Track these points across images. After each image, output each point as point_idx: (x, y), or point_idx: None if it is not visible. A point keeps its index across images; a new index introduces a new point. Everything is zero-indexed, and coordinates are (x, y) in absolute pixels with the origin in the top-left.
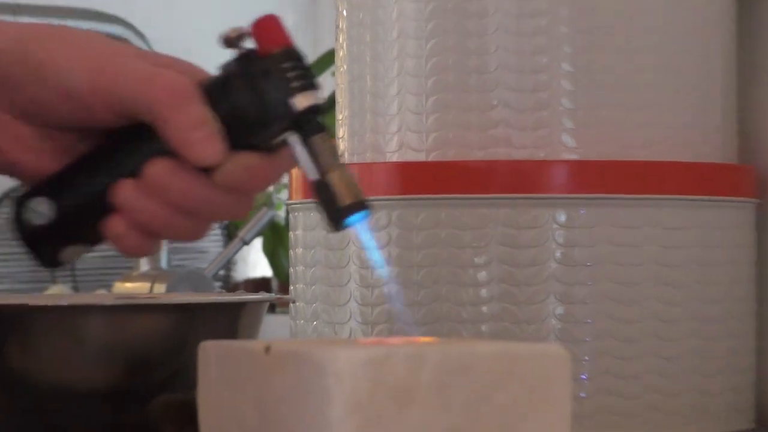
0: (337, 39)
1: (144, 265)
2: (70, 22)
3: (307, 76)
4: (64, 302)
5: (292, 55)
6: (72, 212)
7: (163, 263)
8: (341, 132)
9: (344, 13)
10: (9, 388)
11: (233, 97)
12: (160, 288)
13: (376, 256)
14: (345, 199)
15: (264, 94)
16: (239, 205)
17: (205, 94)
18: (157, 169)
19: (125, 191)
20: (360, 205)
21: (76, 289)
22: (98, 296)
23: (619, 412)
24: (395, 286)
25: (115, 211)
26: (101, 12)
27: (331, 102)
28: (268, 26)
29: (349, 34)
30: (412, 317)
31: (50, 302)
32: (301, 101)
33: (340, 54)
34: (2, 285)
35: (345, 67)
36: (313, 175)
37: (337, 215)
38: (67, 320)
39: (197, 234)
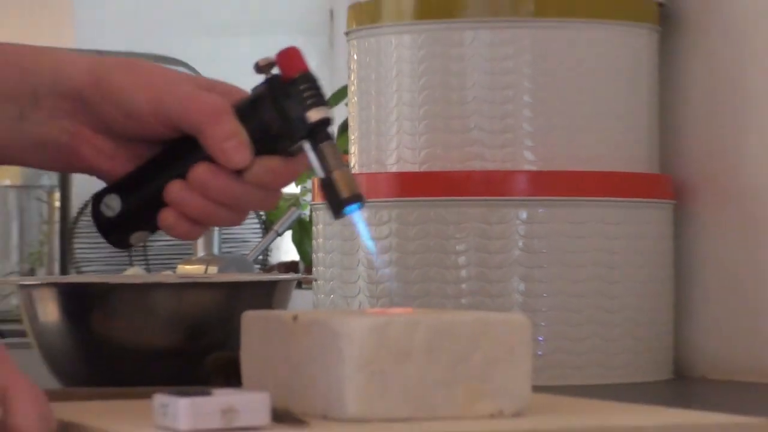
0: (349, 77)
1: (200, 251)
2: None
3: (319, 95)
4: (138, 281)
5: (308, 78)
6: (136, 206)
7: (215, 250)
8: (353, 149)
9: (355, 57)
10: (93, 349)
11: (261, 113)
12: (212, 269)
13: (368, 237)
14: (344, 192)
15: (285, 110)
16: (267, 198)
17: (238, 111)
18: (200, 171)
19: (175, 189)
20: (356, 198)
21: (148, 270)
22: (165, 276)
23: (568, 366)
24: (381, 258)
25: (168, 205)
26: (170, 57)
27: (344, 126)
28: (289, 56)
29: (359, 74)
30: (392, 280)
31: (127, 281)
32: (313, 115)
33: (352, 89)
34: (90, 267)
35: (355, 99)
36: (321, 173)
37: (337, 205)
38: (140, 295)
39: (235, 221)
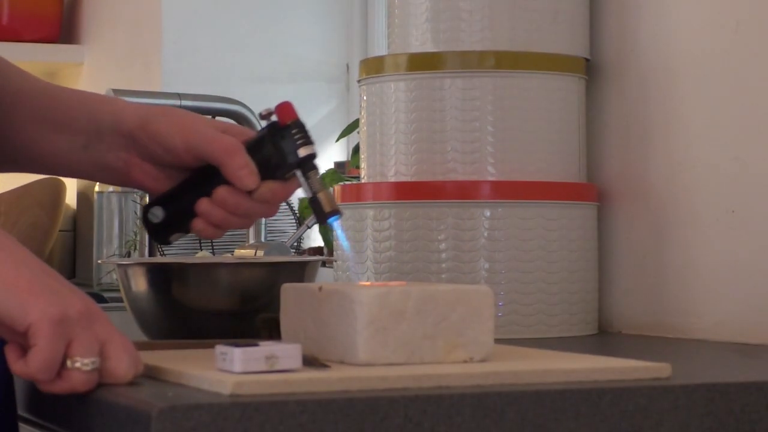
0: (360, 113)
1: (251, 239)
2: (209, 103)
3: (307, 136)
4: (206, 261)
5: (298, 124)
6: (174, 215)
7: (263, 238)
8: (363, 164)
9: (364, 98)
10: (172, 311)
11: (264, 150)
12: (260, 252)
13: (344, 240)
14: (327, 208)
15: (281, 148)
16: (269, 210)
17: (247, 148)
18: (221, 191)
19: (203, 204)
20: (335, 212)
21: (213, 253)
22: (225, 257)
23: (521, 324)
24: (351, 253)
25: (198, 215)
26: (232, 98)
27: (357, 148)
28: (284, 107)
29: (367, 110)
30: (359, 267)
31: (197, 261)
32: (302, 152)
33: (362, 121)
34: (170, 251)
35: (365, 128)
36: (309, 194)
37: (322, 217)
38: (207, 271)
39: (245, 226)
